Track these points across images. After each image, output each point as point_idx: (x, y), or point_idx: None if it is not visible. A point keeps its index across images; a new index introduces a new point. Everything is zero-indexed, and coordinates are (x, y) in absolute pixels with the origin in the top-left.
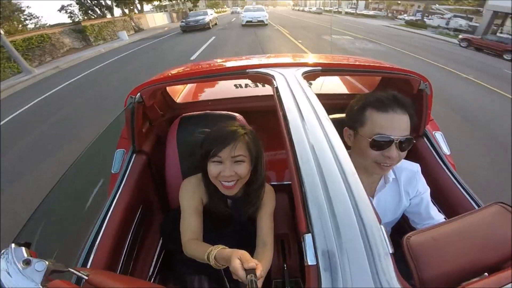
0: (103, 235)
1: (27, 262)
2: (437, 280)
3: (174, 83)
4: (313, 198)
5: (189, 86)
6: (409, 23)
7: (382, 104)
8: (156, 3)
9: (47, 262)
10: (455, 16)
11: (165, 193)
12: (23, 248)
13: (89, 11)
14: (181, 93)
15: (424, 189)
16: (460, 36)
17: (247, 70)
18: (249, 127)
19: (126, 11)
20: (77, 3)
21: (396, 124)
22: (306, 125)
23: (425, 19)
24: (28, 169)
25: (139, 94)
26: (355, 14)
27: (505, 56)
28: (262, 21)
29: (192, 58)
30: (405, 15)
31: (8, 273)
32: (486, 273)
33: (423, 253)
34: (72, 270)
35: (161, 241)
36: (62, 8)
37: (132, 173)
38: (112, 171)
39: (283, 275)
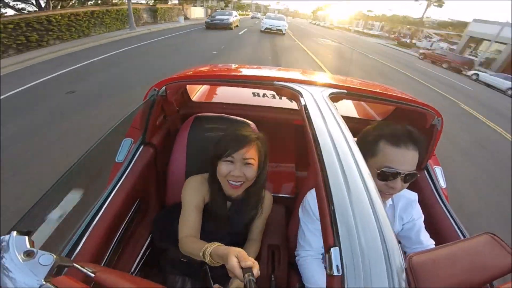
0: (97, 224)
1: (28, 254)
2: None
3: (201, 82)
4: (341, 214)
5: (206, 86)
6: (400, 43)
7: (396, 139)
8: None
9: (54, 256)
10: (439, 40)
11: (165, 189)
12: (26, 238)
13: None
14: (197, 91)
15: (418, 216)
16: (420, 51)
17: (273, 82)
18: (261, 134)
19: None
20: None
21: (406, 160)
22: (337, 148)
23: (416, 41)
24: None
25: (164, 87)
26: (361, 32)
27: (443, 65)
28: (281, 29)
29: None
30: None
31: (6, 265)
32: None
33: (422, 271)
34: (78, 266)
35: (150, 237)
36: None
37: (136, 164)
38: (116, 160)
39: (270, 286)
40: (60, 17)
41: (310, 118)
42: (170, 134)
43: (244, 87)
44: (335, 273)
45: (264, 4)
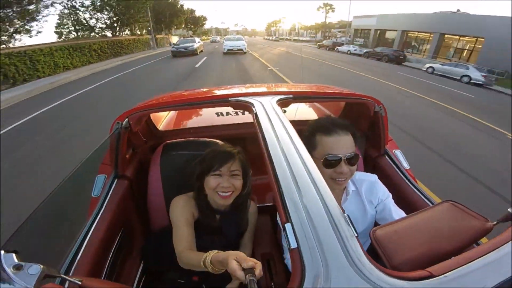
0: (82, 257)
1: (17, 268)
2: (405, 265)
3: (161, 109)
4: (288, 195)
5: (171, 114)
6: (316, 42)
7: (326, 129)
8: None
9: (41, 266)
10: (341, 36)
11: (147, 217)
12: (13, 254)
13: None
14: (163, 121)
15: (385, 196)
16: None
17: (229, 99)
18: (241, 150)
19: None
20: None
21: (341, 144)
22: (280, 141)
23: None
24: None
25: (126, 119)
26: (296, 39)
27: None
28: (242, 49)
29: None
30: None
31: None
32: (452, 257)
33: (388, 243)
34: (65, 276)
35: (142, 265)
36: None
37: (113, 197)
38: (92, 195)
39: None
40: (126, 41)
41: (260, 123)
42: (143, 165)
43: (203, 107)
44: (293, 246)
45: (223, 28)
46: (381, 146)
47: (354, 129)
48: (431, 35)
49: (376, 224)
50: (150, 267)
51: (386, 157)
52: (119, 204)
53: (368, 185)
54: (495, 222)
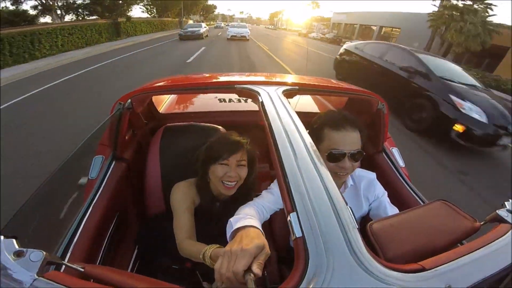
0: (77, 242)
1: (18, 254)
2: (399, 258)
3: (166, 92)
4: (295, 186)
5: (173, 97)
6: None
7: (335, 124)
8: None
9: (43, 252)
10: (324, 28)
11: (143, 201)
12: (13, 240)
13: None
14: (164, 103)
15: (381, 193)
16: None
17: (235, 86)
18: (247, 138)
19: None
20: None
21: (348, 140)
22: (287, 132)
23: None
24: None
25: (129, 100)
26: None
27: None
28: (245, 36)
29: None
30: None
31: None
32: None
33: (384, 236)
34: (67, 263)
35: (136, 250)
36: None
37: (110, 180)
38: (89, 177)
39: (264, 282)
40: (167, 22)
41: (267, 112)
42: (141, 148)
43: (209, 92)
44: (298, 235)
45: (229, 14)
46: (380, 143)
47: (362, 126)
48: (376, 27)
49: (369, 220)
50: (144, 253)
51: (383, 154)
52: (116, 187)
53: (366, 182)
54: (482, 222)
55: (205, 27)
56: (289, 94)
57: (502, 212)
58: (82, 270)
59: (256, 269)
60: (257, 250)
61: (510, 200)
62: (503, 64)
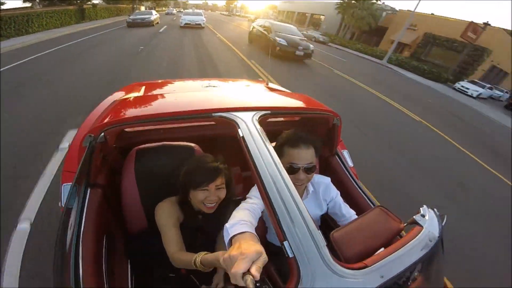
0: (84, 271)
1: None
2: (352, 258)
3: (141, 122)
4: (282, 218)
5: (138, 99)
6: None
7: (292, 143)
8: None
9: None
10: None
11: (124, 221)
12: None
13: None
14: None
15: (335, 194)
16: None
17: (212, 114)
18: (221, 158)
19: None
20: None
21: (302, 156)
22: (267, 167)
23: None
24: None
25: (103, 134)
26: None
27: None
28: (200, 24)
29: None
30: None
31: None
32: (382, 248)
33: (342, 242)
34: None
35: (129, 265)
36: None
37: (90, 207)
38: (61, 205)
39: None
40: (123, 8)
41: (248, 147)
42: (114, 171)
43: (186, 123)
44: (290, 255)
45: (183, 0)
46: (333, 148)
47: (317, 143)
48: (308, 14)
49: (328, 216)
50: (138, 266)
51: (336, 157)
52: (98, 213)
53: (324, 186)
54: (405, 224)
55: (156, 14)
56: (263, 119)
57: (417, 217)
58: None
59: (255, 272)
60: (256, 255)
61: (424, 206)
62: (384, 40)
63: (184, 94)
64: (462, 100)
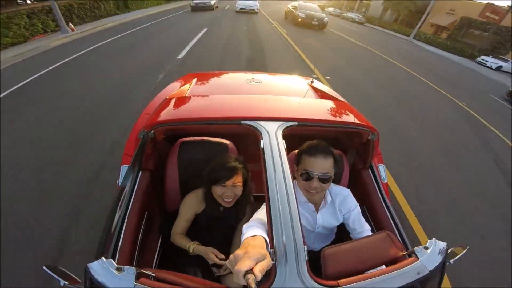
0: (122, 245)
1: (118, 269)
2: (336, 276)
3: (181, 125)
4: (276, 230)
5: (191, 89)
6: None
7: (310, 151)
8: None
9: (135, 268)
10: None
11: (164, 202)
12: (111, 260)
13: None
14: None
15: (353, 207)
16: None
17: (241, 122)
18: (241, 158)
19: None
20: None
21: (317, 164)
22: (276, 185)
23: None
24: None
25: (152, 131)
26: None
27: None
28: (253, 9)
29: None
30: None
31: (105, 278)
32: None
33: (329, 259)
34: (145, 271)
35: (160, 240)
36: None
37: (139, 188)
38: (119, 184)
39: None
40: None
41: (265, 161)
42: (161, 157)
43: (217, 128)
44: (273, 262)
45: None
46: (367, 162)
47: (337, 156)
48: None
49: (344, 226)
50: (166, 243)
51: (369, 170)
52: (144, 192)
53: (341, 198)
54: (404, 253)
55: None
56: (289, 130)
57: (418, 249)
58: (154, 275)
59: (258, 272)
60: (260, 257)
61: (433, 238)
62: (425, 24)
63: (222, 98)
64: (476, 69)
